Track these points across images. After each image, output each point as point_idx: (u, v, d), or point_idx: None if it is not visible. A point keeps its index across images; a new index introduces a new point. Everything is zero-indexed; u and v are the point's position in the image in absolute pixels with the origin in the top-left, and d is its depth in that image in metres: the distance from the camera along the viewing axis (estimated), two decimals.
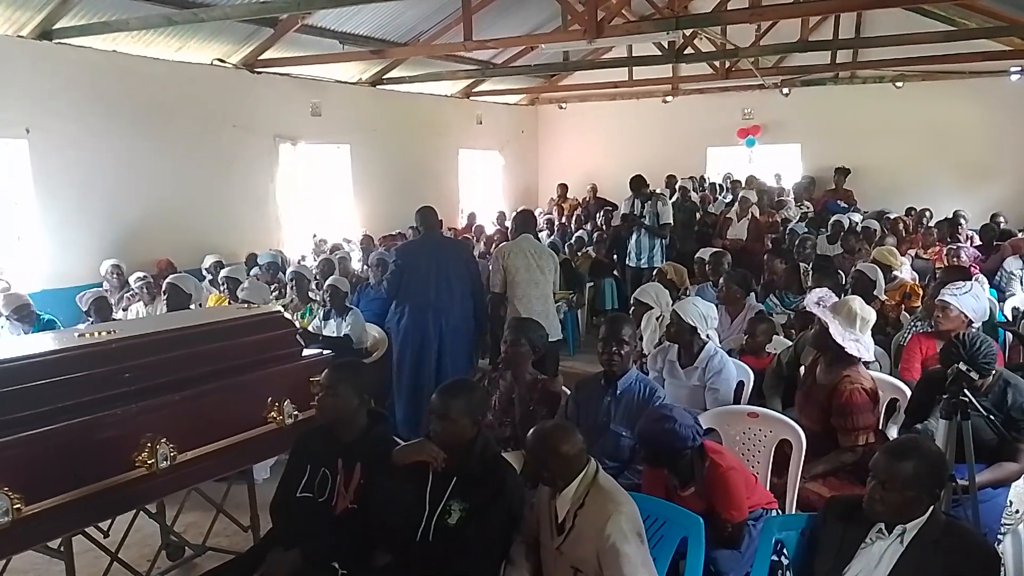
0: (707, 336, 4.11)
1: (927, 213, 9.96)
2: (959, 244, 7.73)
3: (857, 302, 3.67)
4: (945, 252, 7.52)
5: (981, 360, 3.02)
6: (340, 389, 2.89)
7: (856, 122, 12.72)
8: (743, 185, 11.61)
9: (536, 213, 12.57)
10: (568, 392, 3.81)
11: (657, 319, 4.92)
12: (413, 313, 5.44)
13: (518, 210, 7.05)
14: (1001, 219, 8.64)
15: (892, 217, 9.47)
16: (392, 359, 5.62)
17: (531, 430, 2.69)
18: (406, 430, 5.01)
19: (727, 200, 11.18)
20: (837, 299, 3.76)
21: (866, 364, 3.65)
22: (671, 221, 8.69)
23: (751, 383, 4.22)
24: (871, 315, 3.66)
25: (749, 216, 9.47)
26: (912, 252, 7.84)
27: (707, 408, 3.82)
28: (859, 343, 3.50)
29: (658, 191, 9.51)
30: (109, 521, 3.59)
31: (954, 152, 12.22)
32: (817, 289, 4.06)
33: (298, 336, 3.87)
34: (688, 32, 9.55)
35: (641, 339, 4.78)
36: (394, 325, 5.60)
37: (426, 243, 5.77)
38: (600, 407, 3.55)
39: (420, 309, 5.43)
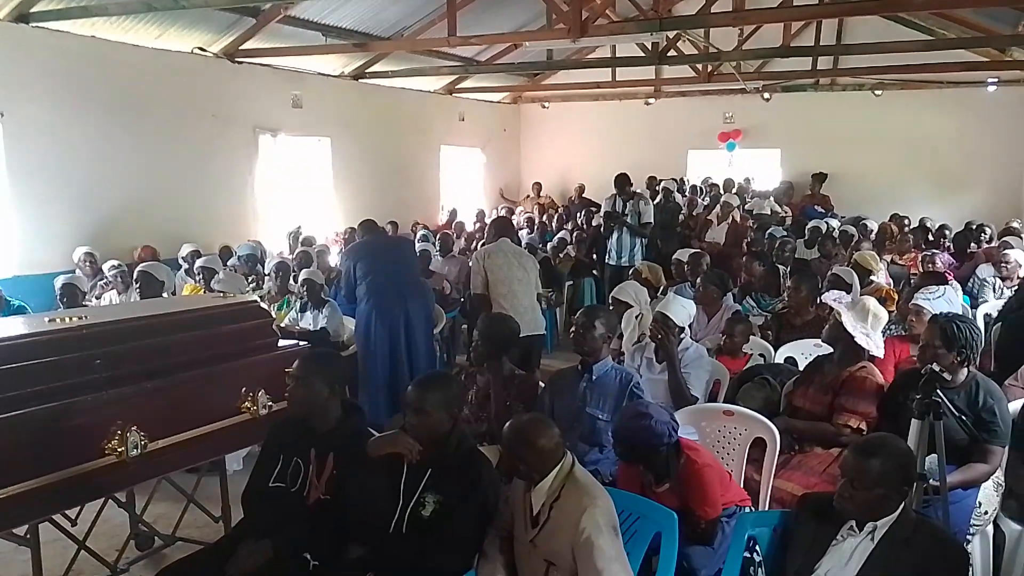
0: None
1: (906, 221, 10.08)
2: (934, 251, 7.82)
3: (871, 301, 3.79)
4: (920, 258, 7.60)
5: (966, 327, 3.21)
6: (311, 380, 2.86)
7: (835, 129, 12.86)
8: (722, 189, 11.72)
9: (517, 211, 12.72)
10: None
11: (636, 317, 4.94)
12: (376, 300, 5.48)
13: (495, 216, 7.07)
14: (988, 229, 8.79)
15: (877, 224, 9.55)
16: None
17: (507, 423, 2.69)
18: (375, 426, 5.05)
19: (705, 203, 11.28)
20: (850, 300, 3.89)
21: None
22: (652, 221, 8.73)
23: (727, 382, 4.24)
24: (883, 314, 3.76)
25: (729, 220, 9.53)
26: (888, 258, 7.92)
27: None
28: (869, 337, 3.59)
29: (639, 191, 9.55)
30: (77, 510, 3.54)
31: (930, 161, 12.39)
32: (834, 290, 4.16)
33: (274, 327, 3.83)
34: (671, 34, 9.60)
35: (620, 337, 4.80)
36: (360, 320, 5.62)
37: (373, 240, 5.90)
38: (576, 392, 3.60)
39: (383, 296, 5.48)
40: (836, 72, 12.14)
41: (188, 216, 8.55)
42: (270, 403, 3.40)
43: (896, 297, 5.95)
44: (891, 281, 6.81)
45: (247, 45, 8.89)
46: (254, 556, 2.72)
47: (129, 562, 3.79)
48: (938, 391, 2.70)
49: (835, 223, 9.80)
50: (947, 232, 9.16)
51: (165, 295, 5.65)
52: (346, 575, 2.65)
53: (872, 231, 9.18)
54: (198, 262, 6.74)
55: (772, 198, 11.70)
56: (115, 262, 6.68)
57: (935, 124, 12.30)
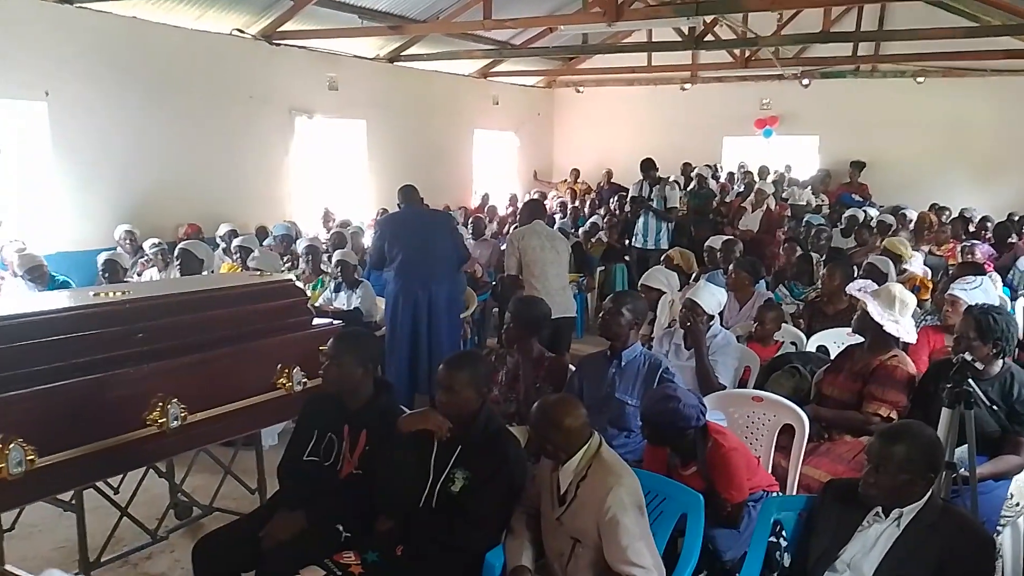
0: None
1: (946, 211, 9.92)
2: (973, 241, 7.70)
3: (897, 287, 3.76)
4: (960, 249, 7.48)
5: (1003, 319, 3.16)
6: (344, 359, 2.93)
7: (875, 116, 12.64)
8: (756, 176, 11.62)
9: (549, 196, 12.73)
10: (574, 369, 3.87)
11: (669, 304, 4.96)
12: (403, 282, 5.52)
13: (527, 199, 7.11)
14: None
15: (915, 213, 9.41)
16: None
17: (535, 404, 2.73)
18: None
19: (739, 190, 11.19)
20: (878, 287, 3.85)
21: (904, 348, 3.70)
22: (678, 205, 8.76)
23: (757, 369, 4.24)
24: (911, 299, 3.72)
25: (764, 208, 9.46)
26: (926, 248, 7.81)
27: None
28: (898, 324, 3.56)
29: (671, 178, 9.52)
30: (119, 479, 3.66)
31: (972, 150, 12.14)
32: (859, 279, 4.14)
33: (308, 305, 3.91)
34: (708, 19, 9.50)
35: (651, 323, 4.82)
36: (388, 300, 5.70)
37: (409, 214, 5.82)
38: (605, 378, 3.61)
39: (409, 278, 5.52)
40: (877, 59, 11.93)
41: (225, 195, 8.70)
42: (304, 380, 3.47)
43: (931, 286, 5.89)
44: (928, 271, 6.73)
45: (284, 27, 8.97)
46: (288, 526, 2.81)
47: (169, 530, 3.91)
48: (969, 380, 2.69)
49: (873, 212, 9.68)
50: (988, 224, 9.01)
51: (204, 273, 5.76)
52: (376, 547, 2.72)
53: (911, 220, 9.05)
54: (235, 241, 6.86)
55: (809, 187, 11.59)
56: (156, 240, 6.83)
57: (978, 112, 12.04)
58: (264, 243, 7.64)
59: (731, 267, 5.72)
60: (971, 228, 8.91)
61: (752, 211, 9.55)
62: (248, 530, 2.89)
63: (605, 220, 10.15)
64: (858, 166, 12.35)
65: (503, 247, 6.92)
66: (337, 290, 6.17)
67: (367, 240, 8.33)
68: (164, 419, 2.90)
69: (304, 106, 9.81)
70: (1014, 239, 8.00)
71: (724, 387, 3.90)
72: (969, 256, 6.91)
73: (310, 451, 3.00)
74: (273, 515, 2.90)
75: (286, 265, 7.03)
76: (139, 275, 6.60)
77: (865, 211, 9.50)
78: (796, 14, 10.72)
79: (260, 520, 2.92)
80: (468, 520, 2.69)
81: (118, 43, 7.62)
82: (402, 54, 11.11)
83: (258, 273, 4.54)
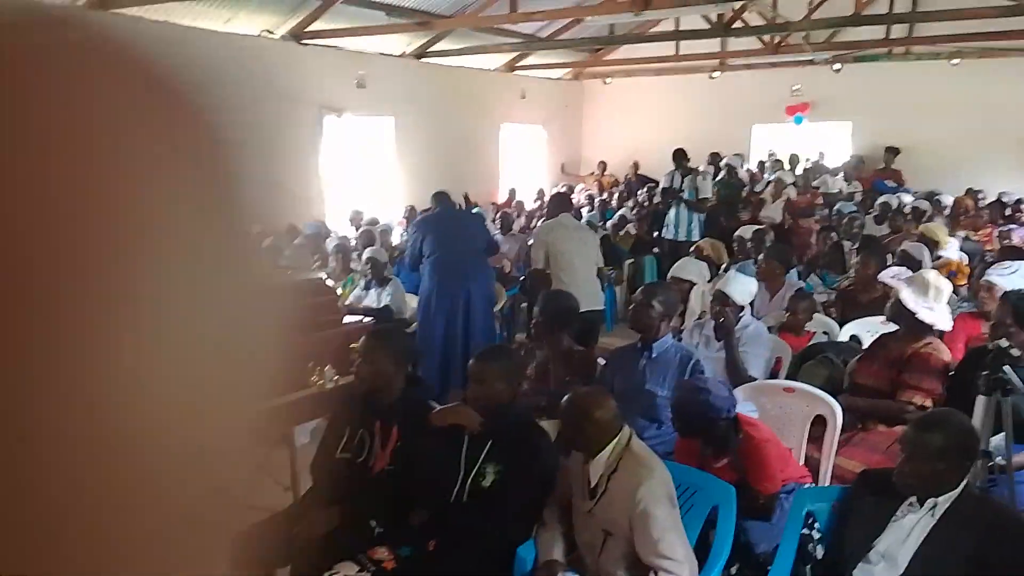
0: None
1: (980, 195, 9.73)
2: (1011, 226, 7.54)
3: (931, 273, 3.72)
4: (996, 234, 7.34)
5: None
6: (377, 356, 2.96)
7: (909, 100, 12.36)
8: (787, 164, 11.48)
9: (577, 189, 12.69)
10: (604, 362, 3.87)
11: (701, 294, 4.93)
12: (438, 279, 5.56)
13: (553, 192, 7.11)
14: None
15: (951, 199, 9.23)
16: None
17: (565, 397, 2.74)
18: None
19: (771, 179, 11.06)
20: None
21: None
22: (710, 196, 8.67)
23: (789, 360, 4.20)
24: (946, 286, 3.67)
25: (784, 197, 9.36)
26: (962, 233, 7.67)
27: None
28: (933, 312, 3.51)
29: (700, 168, 9.45)
30: None
31: (1009, 133, 11.81)
32: (892, 267, 4.11)
33: (339, 304, 3.96)
34: (737, 5, 9.37)
35: (681, 315, 4.79)
36: (421, 298, 5.73)
37: (443, 214, 5.96)
38: (635, 369, 3.61)
39: (444, 275, 5.55)
40: (910, 41, 11.68)
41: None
42: (336, 377, 3.52)
43: (968, 271, 5.79)
44: (965, 256, 6.61)
45: (312, 27, 9.04)
46: (321, 522, 2.84)
47: None
48: (1007, 367, 2.64)
49: (908, 198, 9.52)
50: (1022, 206, 8.82)
51: None
52: (410, 542, 2.75)
53: (946, 206, 8.89)
54: (265, 241, 6.93)
55: (841, 174, 11.41)
56: None
57: (1016, 94, 11.70)
58: (294, 242, 7.72)
59: (761, 257, 5.66)
60: (1007, 212, 8.72)
61: (772, 201, 9.45)
62: (282, 526, 2.93)
63: (634, 212, 10.10)
64: (892, 152, 12.13)
65: (531, 242, 6.93)
66: (367, 288, 6.21)
67: (395, 238, 8.39)
68: None
69: (333, 105, 9.88)
70: None
71: (754, 379, 3.87)
72: (1006, 241, 6.77)
73: (342, 448, 3.03)
74: (306, 512, 2.94)
75: (316, 264, 7.09)
76: None
77: (899, 197, 9.34)
78: None
79: (293, 517, 2.97)
80: (500, 514, 2.70)
81: (149, 47, 7.72)
82: (429, 50, 11.14)
83: (288, 272, 4.58)
